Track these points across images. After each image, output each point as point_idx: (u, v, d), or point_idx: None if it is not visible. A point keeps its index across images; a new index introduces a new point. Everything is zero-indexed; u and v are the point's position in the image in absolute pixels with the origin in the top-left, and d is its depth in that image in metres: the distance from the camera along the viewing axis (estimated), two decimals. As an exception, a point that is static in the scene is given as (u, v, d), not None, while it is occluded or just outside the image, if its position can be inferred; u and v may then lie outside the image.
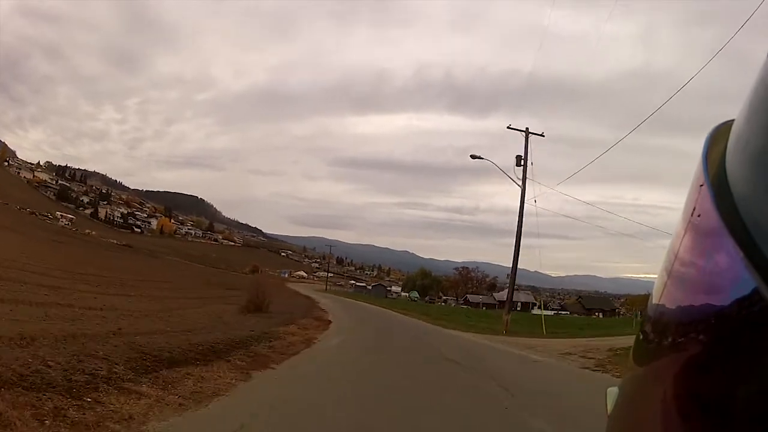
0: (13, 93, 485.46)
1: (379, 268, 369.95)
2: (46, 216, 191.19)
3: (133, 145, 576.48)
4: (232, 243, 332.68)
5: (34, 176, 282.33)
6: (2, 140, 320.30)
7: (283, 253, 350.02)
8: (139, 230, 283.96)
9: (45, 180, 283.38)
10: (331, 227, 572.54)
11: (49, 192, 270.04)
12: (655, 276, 1.07)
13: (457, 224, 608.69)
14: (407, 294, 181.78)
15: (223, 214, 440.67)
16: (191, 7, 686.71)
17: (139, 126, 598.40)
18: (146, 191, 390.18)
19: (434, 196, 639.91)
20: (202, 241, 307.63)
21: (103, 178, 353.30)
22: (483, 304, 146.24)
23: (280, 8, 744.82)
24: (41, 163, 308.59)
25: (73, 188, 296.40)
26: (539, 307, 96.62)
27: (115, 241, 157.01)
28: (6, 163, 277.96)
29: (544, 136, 43.40)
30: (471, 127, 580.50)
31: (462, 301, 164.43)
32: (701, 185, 0.87)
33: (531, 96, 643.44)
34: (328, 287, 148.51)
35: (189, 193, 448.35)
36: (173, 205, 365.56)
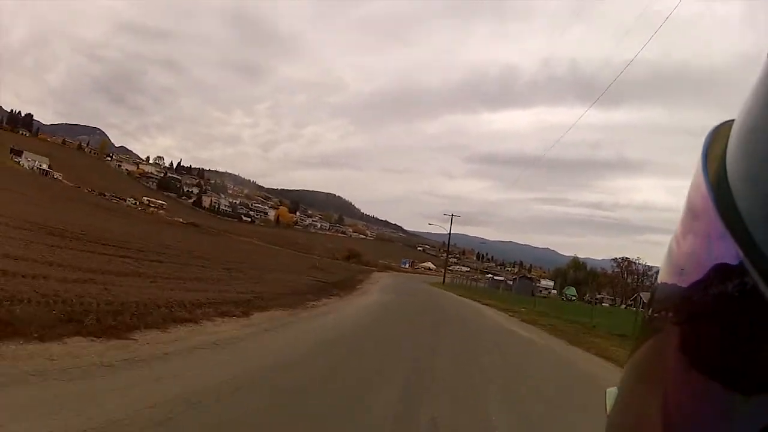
0: (132, 104, 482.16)
1: (521, 264, 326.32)
2: (120, 198, 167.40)
3: (267, 147, 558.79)
4: (363, 236, 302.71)
5: (138, 168, 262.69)
6: (126, 147, 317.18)
7: (419, 248, 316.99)
8: (248, 219, 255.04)
9: (150, 172, 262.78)
10: (471, 224, 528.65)
11: (150, 182, 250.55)
12: None
13: (598, 220, 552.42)
14: (559, 291, 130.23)
15: (362, 211, 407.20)
16: (306, 17, 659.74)
17: (272, 128, 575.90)
18: (281, 190, 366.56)
19: (572, 191, 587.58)
20: (328, 233, 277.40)
21: (235, 178, 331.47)
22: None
23: (397, 13, 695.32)
24: (161, 163, 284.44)
25: (185, 181, 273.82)
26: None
27: (180, 219, 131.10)
28: (109, 157, 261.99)
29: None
30: (601, 120, 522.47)
31: (630, 302, 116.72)
32: (701, 185, 0.83)
33: (657, 86, 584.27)
34: (452, 280, 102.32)
35: (326, 191, 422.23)
36: (308, 203, 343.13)
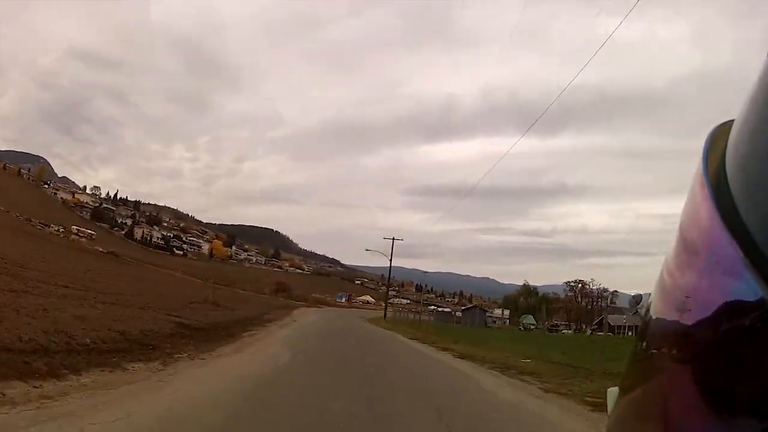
0: (77, 134, 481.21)
1: (461, 294, 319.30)
2: (46, 225, 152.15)
3: (207, 182, 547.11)
4: (300, 271, 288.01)
5: (74, 197, 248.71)
6: (68, 177, 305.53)
7: (357, 281, 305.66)
8: (181, 252, 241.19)
9: (86, 202, 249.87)
10: (409, 256, 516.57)
11: (84, 212, 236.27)
12: None
13: (536, 247, 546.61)
14: (512, 320, 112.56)
15: (300, 246, 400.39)
16: (254, 48, 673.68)
17: (212, 164, 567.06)
18: (219, 224, 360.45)
19: (512, 220, 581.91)
20: (263, 267, 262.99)
21: (175, 213, 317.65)
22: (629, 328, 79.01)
23: (345, 43, 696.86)
24: (97, 193, 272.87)
25: (120, 212, 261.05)
26: None
27: (100, 248, 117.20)
28: (46, 185, 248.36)
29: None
30: (542, 148, 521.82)
31: (596, 326, 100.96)
32: (701, 185, 0.82)
33: (600, 109, 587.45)
34: (395, 314, 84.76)
35: (264, 226, 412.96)
36: (246, 238, 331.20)
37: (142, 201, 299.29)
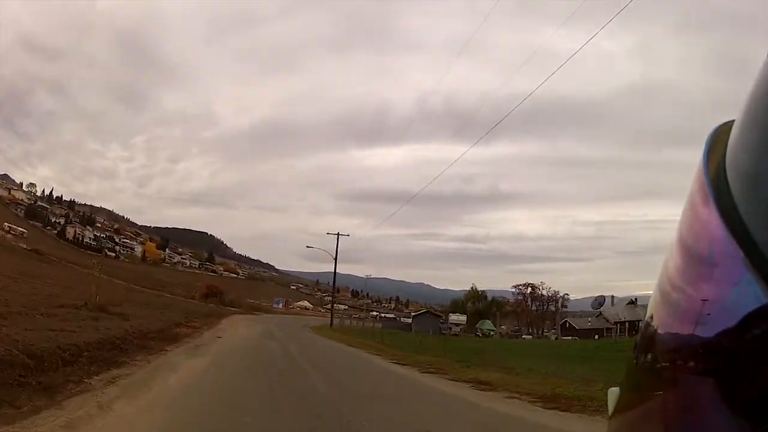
0: (18, 128, 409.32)
1: (397, 299, 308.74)
2: None
3: (141, 182, 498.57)
4: (234, 275, 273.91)
5: (9, 194, 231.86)
6: (9, 175, 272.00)
7: (293, 287, 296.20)
8: (113, 254, 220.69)
9: (21, 199, 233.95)
10: (343, 262, 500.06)
11: (19, 210, 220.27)
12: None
13: (471, 253, 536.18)
14: (467, 325, 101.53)
15: (234, 250, 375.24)
16: (191, 44, 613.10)
17: (147, 164, 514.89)
18: (154, 227, 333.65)
19: (446, 226, 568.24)
20: (197, 271, 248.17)
21: (110, 214, 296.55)
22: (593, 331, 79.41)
23: (280, 43, 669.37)
24: (33, 191, 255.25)
25: (54, 211, 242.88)
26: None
27: (24, 246, 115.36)
28: None
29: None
30: (476, 155, 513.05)
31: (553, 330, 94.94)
32: (702, 185, 0.81)
33: (536, 119, 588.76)
34: (341, 322, 76.33)
35: (198, 230, 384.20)
36: (181, 241, 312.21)
37: (78, 201, 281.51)
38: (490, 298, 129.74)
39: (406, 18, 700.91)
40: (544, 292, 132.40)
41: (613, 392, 1.19)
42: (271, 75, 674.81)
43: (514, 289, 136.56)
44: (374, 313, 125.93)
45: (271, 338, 31.26)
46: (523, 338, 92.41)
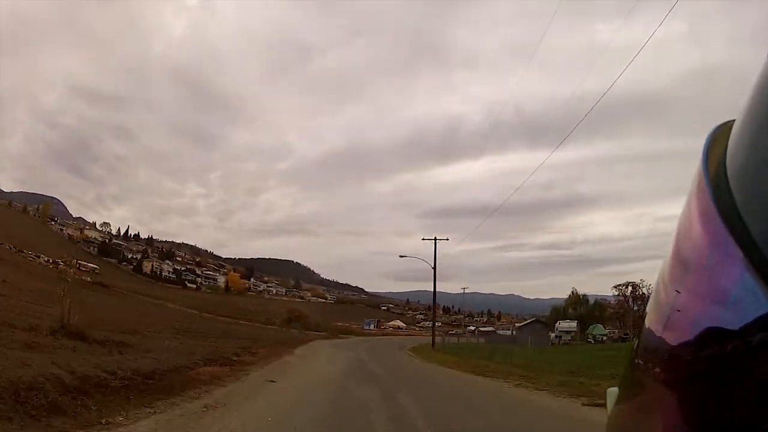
0: (89, 174, 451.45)
1: (489, 312, 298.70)
2: (37, 256, 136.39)
3: (222, 217, 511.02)
4: (323, 300, 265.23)
5: (81, 233, 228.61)
6: (84, 218, 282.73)
7: (383, 307, 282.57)
8: (194, 285, 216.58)
9: (94, 237, 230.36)
10: (430, 279, 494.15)
11: (91, 248, 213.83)
12: None
13: (556, 260, 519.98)
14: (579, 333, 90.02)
15: (321, 275, 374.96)
16: (252, 80, 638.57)
17: (225, 198, 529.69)
18: (238, 259, 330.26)
19: (530, 236, 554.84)
20: (284, 298, 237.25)
21: (192, 249, 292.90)
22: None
23: (342, 71, 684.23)
24: (106, 229, 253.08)
25: (131, 247, 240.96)
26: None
27: (88, 279, 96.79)
28: (53, 221, 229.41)
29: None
30: (550, 160, 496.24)
31: None
32: (701, 185, 0.80)
33: (603, 118, 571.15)
34: (439, 339, 63.18)
35: (284, 258, 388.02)
36: (266, 270, 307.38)
37: (157, 238, 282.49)
38: (592, 302, 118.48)
39: (463, 32, 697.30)
40: (645, 291, 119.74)
41: (612, 392, 1.17)
42: (338, 103, 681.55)
43: (614, 291, 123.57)
44: (471, 328, 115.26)
45: (363, 375, 20.75)
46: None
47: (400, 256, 61.71)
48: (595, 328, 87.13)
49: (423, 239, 58.37)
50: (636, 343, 1.06)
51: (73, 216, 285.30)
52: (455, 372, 25.24)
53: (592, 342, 75.78)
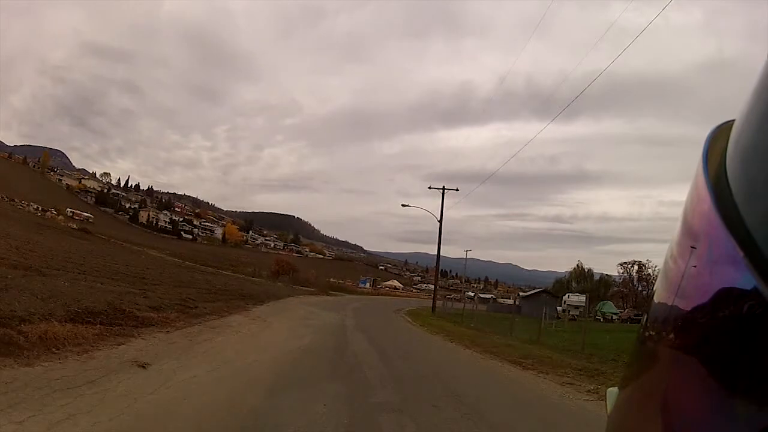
0: (93, 127, 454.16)
1: (486, 280, 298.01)
2: (27, 205, 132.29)
3: (226, 171, 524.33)
4: (321, 256, 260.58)
5: (80, 183, 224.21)
6: (87, 169, 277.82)
7: (381, 267, 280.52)
8: (189, 236, 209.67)
9: (92, 187, 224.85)
10: (431, 242, 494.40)
11: (89, 197, 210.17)
12: None
13: (558, 233, 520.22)
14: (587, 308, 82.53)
15: (322, 232, 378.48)
16: (263, 39, 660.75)
17: (231, 152, 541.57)
18: (240, 212, 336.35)
19: (532, 206, 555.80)
20: (281, 252, 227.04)
21: (194, 201, 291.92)
22: None
23: (352, 33, 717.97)
24: (106, 180, 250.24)
25: (130, 198, 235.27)
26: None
27: (73, 226, 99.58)
28: (51, 172, 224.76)
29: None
30: (558, 134, 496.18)
31: None
32: (701, 185, 0.80)
33: (614, 96, 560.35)
34: (444, 304, 58.59)
35: (285, 213, 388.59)
36: (266, 224, 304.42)
37: (158, 189, 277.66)
38: (597, 277, 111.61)
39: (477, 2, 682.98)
40: (651, 272, 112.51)
41: (612, 392, 1.17)
42: (349, 64, 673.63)
43: (619, 269, 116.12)
44: (470, 294, 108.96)
45: (332, 369, 11.46)
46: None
47: (402, 205, 55.58)
48: (605, 305, 79.73)
49: (429, 187, 51.69)
50: (636, 342, 1.05)
51: (76, 167, 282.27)
52: (480, 358, 17.02)
53: (601, 320, 68.60)
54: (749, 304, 0.61)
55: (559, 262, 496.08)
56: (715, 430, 0.67)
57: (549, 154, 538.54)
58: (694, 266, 0.78)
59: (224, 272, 59.21)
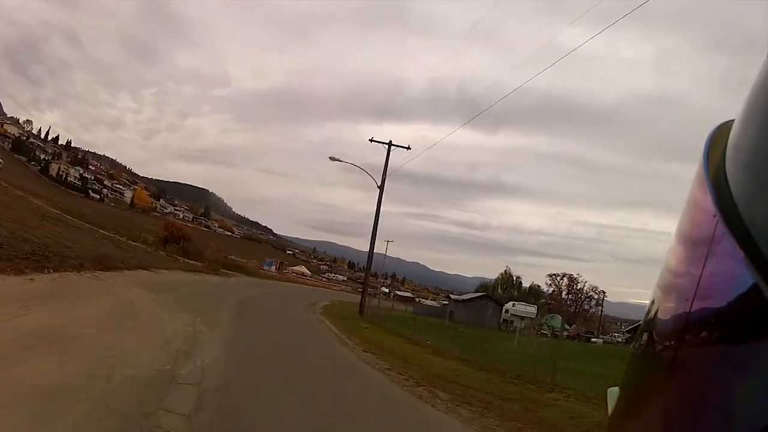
0: (30, 74, 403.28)
1: (393, 276, 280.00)
2: None
3: (147, 135, 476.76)
4: (229, 233, 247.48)
5: (1, 127, 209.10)
6: (16, 117, 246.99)
7: (289, 251, 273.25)
8: (97, 196, 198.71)
9: (11, 133, 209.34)
10: (343, 233, 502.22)
11: (6, 143, 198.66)
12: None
13: (468, 239, 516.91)
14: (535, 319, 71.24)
15: (234, 210, 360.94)
16: (210, 6, 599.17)
17: (155, 117, 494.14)
18: (155, 180, 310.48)
19: (445, 209, 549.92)
20: (189, 224, 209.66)
21: (112, 162, 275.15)
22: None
23: (300, 13, 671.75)
24: (27, 127, 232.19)
25: (47, 149, 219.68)
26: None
27: None
28: None
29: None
30: (481, 142, 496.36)
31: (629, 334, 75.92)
32: (702, 185, 0.80)
33: (543, 115, 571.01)
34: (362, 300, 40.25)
35: (201, 186, 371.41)
36: (180, 195, 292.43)
37: (83, 148, 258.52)
38: (527, 286, 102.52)
39: (428, 2, 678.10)
40: (583, 287, 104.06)
41: (613, 392, 1.16)
42: (288, 44, 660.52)
43: (548, 280, 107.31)
44: (385, 290, 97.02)
45: None
46: (593, 342, 69.47)
47: (331, 158, 40.74)
48: (554, 319, 68.67)
49: (371, 140, 39.90)
50: (636, 342, 1.04)
51: (7, 115, 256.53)
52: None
53: (548, 336, 57.04)
54: (749, 304, 0.61)
55: (466, 266, 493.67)
56: (715, 430, 0.66)
57: (470, 161, 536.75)
58: (694, 266, 0.77)
59: (103, 232, 43.93)
